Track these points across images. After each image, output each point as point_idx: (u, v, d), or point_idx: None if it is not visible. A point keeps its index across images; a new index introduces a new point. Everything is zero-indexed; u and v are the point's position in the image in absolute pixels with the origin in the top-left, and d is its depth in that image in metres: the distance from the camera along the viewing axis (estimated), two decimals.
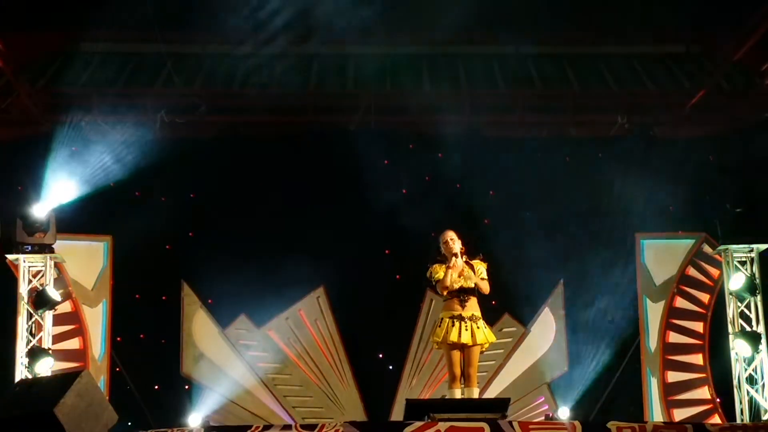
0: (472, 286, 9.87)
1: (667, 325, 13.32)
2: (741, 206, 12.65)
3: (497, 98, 13.81)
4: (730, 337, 12.76)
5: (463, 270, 9.90)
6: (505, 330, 13.27)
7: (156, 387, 13.11)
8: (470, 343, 9.78)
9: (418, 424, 8.91)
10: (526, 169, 13.34)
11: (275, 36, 13.33)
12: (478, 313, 9.89)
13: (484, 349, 10.02)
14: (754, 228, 12.65)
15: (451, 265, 9.87)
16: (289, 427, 9.27)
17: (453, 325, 9.80)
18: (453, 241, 9.97)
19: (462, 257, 9.93)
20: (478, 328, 9.83)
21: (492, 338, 9.97)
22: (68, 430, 7.75)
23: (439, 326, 9.91)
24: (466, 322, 9.80)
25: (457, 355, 9.84)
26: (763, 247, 12.71)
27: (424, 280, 10.22)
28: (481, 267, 10.00)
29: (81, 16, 13.21)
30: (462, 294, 9.85)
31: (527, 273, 13.18)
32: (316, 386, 13.24)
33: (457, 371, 9.83)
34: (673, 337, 13.32)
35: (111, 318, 13.10)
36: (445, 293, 9.89)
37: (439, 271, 9.94)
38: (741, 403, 12.54)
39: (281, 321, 13.34)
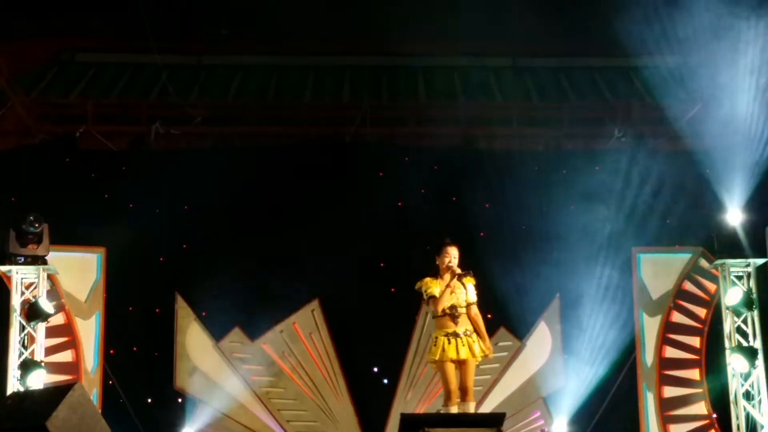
0: (464, 305, 9.76)
1: (663, 340, 13.26)
2: (738, 220, 12.64)
3: (493, 110, 13.81)
4: (727, 352, 12.71)
5: (455, 287, 9.78)
6: (500, 344, 13.21)
7: (149, 400, 13.04)
8: (470, 358, 9.70)
9: None
10: (522, 181, 13.28)
11: (271, 46, 13.33)
12: (471, 327, 9.78)
13: (478, 362, 9.92)
14: (751, 242, 12.62)
15: (451, 283, 9.73)
16: None
17: (449, 343, 9.67)
18: (455, 259, 9.82)
19: (455, 272, 9.82)
20: (474, 342, 9.75)
21: (489, 347, 9.86)
22: None
23: (434, 345, 9.76)
24: (461, 338, 9.69)
25: (453, 369, 9.74)
26: (760, 261, 12.67)
27: (421, 292, 10.13)
28: (470, 284, 9.87)
29: (76, 27, 13.21)
30: (454, 310, 9.74)
31: (523, 286, 13.13)
32: (311, 400, 13.18)
33: (454, 387, 9.71)
34: (670, 352, 13.25)
35: (104, 330, 13.02)
36: (439, 311, 9.75)
37: (431, 287, 9.78)
38: (738, 418, 12.48)
39: (275, 334, 13.28)
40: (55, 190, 12.72)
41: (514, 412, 12.91)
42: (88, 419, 7.99)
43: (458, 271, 9.76)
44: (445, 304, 9.68)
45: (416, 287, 9.86)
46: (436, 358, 9.71)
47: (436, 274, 9.82)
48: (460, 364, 9.71)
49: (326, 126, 13.80)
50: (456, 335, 9.68)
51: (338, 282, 13.13)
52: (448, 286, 9.68)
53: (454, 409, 9.67)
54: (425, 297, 9.84)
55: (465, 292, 9.79)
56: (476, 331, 9.81)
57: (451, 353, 9.64)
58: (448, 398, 9.72)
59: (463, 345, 9.67)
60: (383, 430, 12.79)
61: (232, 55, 13.92)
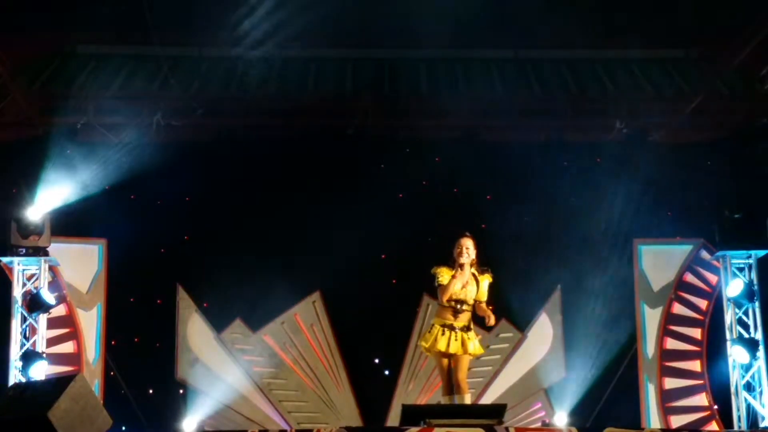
0: (471, 302, 9.83)
1: (664, 332, 13.25)
2: (739, 212, 12.63)
3: (495, 102, 13.76)
4: (728, 343, 12.74)
5: (467, 282, 9.84)
6: (501, 335, 13.22)
7: (150, 391, 13.05)
8: (460, 353, 9.74)
9: (414, 429, 8.90)
10: (523, 173, 13.28)
11: (273, 39, 13.29)
12: (470, 324, 9.86)
13: (471, 359, 10.00)
14: (752, 234, 12.62)
15: (457, 274, 9.80)
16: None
17: (443, 334, 9.77)
18: (467, 250, 9.89)
19: (471, 267, 9.88)
20: (469, 338, 9.79)
21: (480, 351, 9.96)
22: None
23: (429, 332, 9.91)
24: (456, 332, 9.76)
25: (446, 362, 9.83)
26: (761, 253, 12.70)
27: (422, 284, 10.21)
28: (485, 283, 9.94)
29: (77, 18, 13.16)
30: (459, 305, 9.80)
31: (524, 278, 13.15)
32: (312, 391, 13.18)
33: (447, 378, 9.83)
34: (671, 344, 13.25)
35: (105, 322, 13.03)
36: (444, 300, 9.83)
37: (444, 276, 9.87)
38: (739, 410, 12.53)
39: (277, 325, 13.28)
40: (56, 182, 12.70)
41: (515, 403, 12.91)
42: (89, 410, 7.99)
43: (466, 262, 9.83)
44: (451, 294, 9.76)
45: (432, 271, 9.97)
46: (426, 346, 9.89)
47: (453, 263, 9.90)
48: (450, 357, 9.77)
49: (328, 118, 13.74)
50: (452, 328, 9.78)
51: (339, 274, 13.09)
52: (454, 276, 9.77)
53: (447, 400, 9.75)
54: (436, 284, 9.96)
55: (476, 290, 9.85)
56: (480, 311, 9.88)
57: (442, 345, 9.73)
58: (444, 389, 9.87)
59: (456, 340, 9.74)
60: (384, 422, 12.77)
61: (233, 48, 13.86)
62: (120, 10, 12.79)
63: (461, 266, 9.85)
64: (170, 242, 13.29)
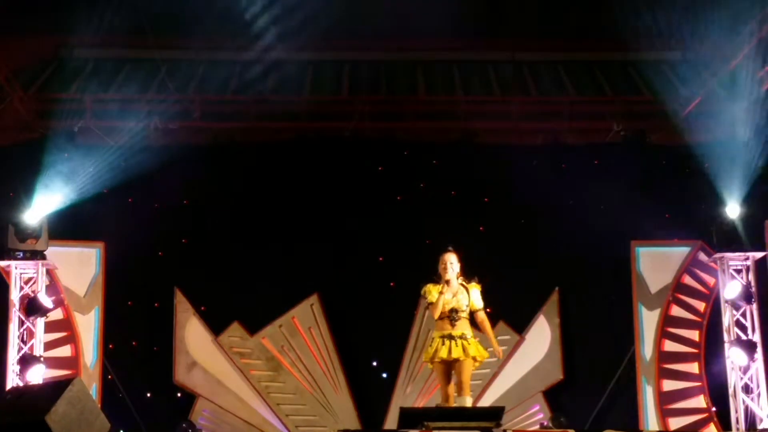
0: (464, 309, 9.94)
1: (662, 334, 13.24)
2: (737, 214, 12.63)
3: (492, 105, 13.79)
4: (726, 345, 12.73)
5: (457, 292, 9.98)
6: (499, 338, 13.12)
7: (148, 395, 13.03)
8: (462, 358, 9.84)
9: None
10: (521, 176, 13.26)
11: (270, 42, 13.30)
12: (468, 332, 9.99)
13: (476, 366, 10.09)
14: (749, 236, 12.62)
15: (443, 290, 9.94)
16: None
17: (443, 344, 9.94)
18: (451, 265, 10.05)
19: (458, 279, 10.02)
20: (469, 344, 9.91)
21: (485, 355, 10.04)
22: None
23: (430, 345, 10.16)
24: (456, 340, 9.90)
25: (442, 371, 9.98)
26: (758, 255, 12.69)
27: (420, 287, 10.27)
28: (475, 291, 10.07)
29: (74, 22, 13.16)
30: (453, 314, 9.93)
31: (522, 280, 13.15)
32: (310, 394, 13.17)
33: (444, 389, 9.97)
34: (669, 346, 13.23)
35: (103, 325, 13.00)
36: (435, 317, 9.99)
37: (432, 292, 10.03)
38: (736, 412, 12.51)
39: (275, 328, 13.27)
40: (53, 185, 12.69)
41: (513, 405, 12.89)
42: (87, 414, 7.99)
43: (451, 277, 9.96)
44: (442, 309, 9.91)
45: (421, 293, 10.22)
46: (428, 359, 10.09)
47: (440, 279, 10.05)
48: (453, 363, 9.87)
49: (325, 121, 13.77)
50: (451, 338, 9.96)
51: (337, 276, 13.16)
52: (441, 293, 9.91)
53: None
54: (427, 303, 10.24)
55: (467, 297, 9.96)
56: (485, 333, 10.17)
57: (443, 353, 9.91)
58: (444, 399, 9.94)
59: (456, 346, 9.89)
60: (382, 424, 12.77)
61: (230, 51, 13.88)
62: (117, 13, 12.79)
63: (447, 282, 9.98)
64: (168, 245, 13.29)
